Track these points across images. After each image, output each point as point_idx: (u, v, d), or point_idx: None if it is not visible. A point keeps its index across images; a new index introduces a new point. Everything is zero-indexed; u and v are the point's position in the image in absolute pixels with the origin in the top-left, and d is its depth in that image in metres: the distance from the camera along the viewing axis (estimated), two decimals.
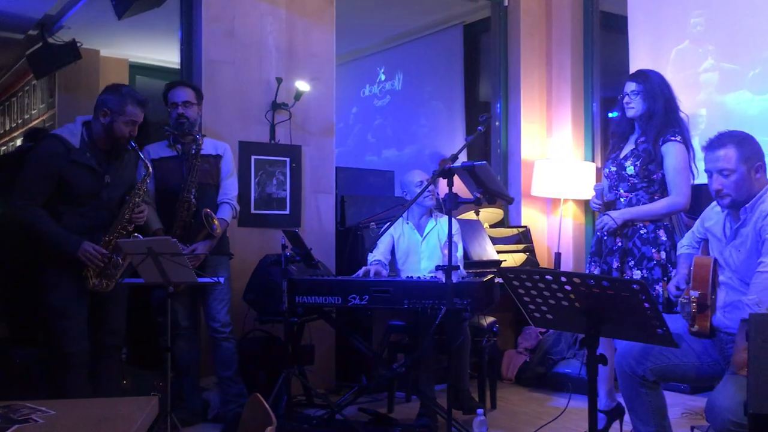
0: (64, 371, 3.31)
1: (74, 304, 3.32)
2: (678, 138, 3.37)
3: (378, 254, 4.04)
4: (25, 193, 3.27)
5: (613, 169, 3.52)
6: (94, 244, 3.26)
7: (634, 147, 3.47)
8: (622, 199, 3.48)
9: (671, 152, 3.35)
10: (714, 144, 2.77)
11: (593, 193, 3.61)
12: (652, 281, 3.36)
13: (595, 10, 5.71)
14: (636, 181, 3.43)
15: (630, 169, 3.43)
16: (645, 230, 3.41)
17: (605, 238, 3.49)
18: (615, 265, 3.43)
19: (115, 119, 3.31)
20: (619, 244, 3.44)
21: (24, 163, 3.38)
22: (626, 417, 3.51)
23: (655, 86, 3.42)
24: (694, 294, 2.74)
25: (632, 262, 3.41)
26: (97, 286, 3.30)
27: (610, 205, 3.53)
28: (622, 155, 3.50)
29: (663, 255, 3.38)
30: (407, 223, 4.15)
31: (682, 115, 3.46)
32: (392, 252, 4.14)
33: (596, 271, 3.50)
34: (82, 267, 3.26)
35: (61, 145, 3.30)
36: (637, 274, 3.37)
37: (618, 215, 3.43)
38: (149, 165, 3.45)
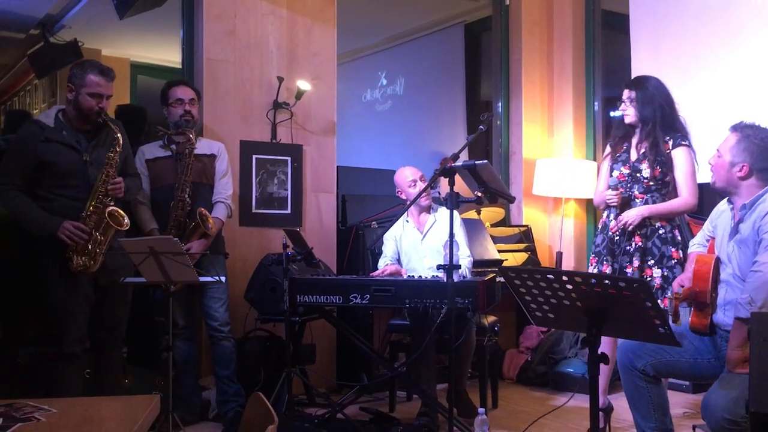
0: (62, 369, 3.30)
1: (76, 304, 3.30)
2: (686, 142, 3.52)
3: (387, 261, 4.07)
4: (3, 177, 3.28)
5: (625, 171, 3.59)
6: (73, 221, 3.20)
7: (643, 150, 3.56)
8: (637, 201, 3.56)
9: (682, 156, 3.49)
10: (732, 126, 2.85)
11: (606, 189, 3.60)
12: (674, 279, 3.40)
13: (596, 8, 5.70)
14: (651, 183, 3.53)
15: (646, 172, 3.53)
16: (663, 230, 3.50)
17: (617, 238, 3.53)
18: (636, 264, 3.48)
19: (79, 92, 3.28)
20: (639, 243, 3.49)
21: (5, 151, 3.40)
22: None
23: (648, 94, 3.53)
24: (678, 291, 2.84)
25: (652, 261, 3.48)
26: (81, 266, 3.21)
27: (626, 200, 3.58)
28: (633, 158, 3.58)
29: (681, 253, 3.49)
30: (407, 222, 4.14)
31: (681, 117, 3.57)
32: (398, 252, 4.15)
33: (608, 271, 3.52)
34: (65, 249, 3.21)
35: (35, 126, 3.31)
36: (657, 273, 3.45)
37: (638, 212, 3.48)
38: (119, 133, 3.33)
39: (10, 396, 1.87)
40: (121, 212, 3.27)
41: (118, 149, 3.31)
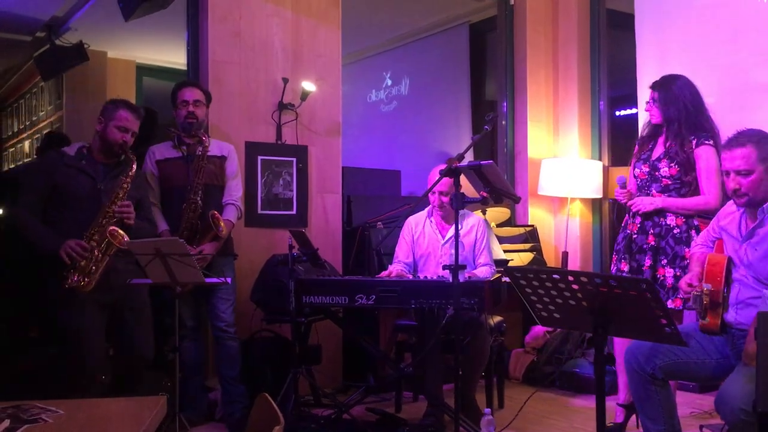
0: (83, 384, 3.31)
1: (90, 323, 3.31)
2: (710, 142, 3.47)
3: (399, 265, 3.99)
4: (19, 196, 3.38)
5: (645, 169, 3.59)
6: (76, 240, 3.22)
7: (664, 150, 3.55)
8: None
9: (703, 156, 3.44)
10: (732, 143, 2.78)
11: (617, 185, 3.61)
12: None
13: (601, 7, 5.69)
14: (669, 182, 3.52)
15: (664, 171, 3.52)
16: (678, 230, 3.47)
17: (635, 236, 3.53)
18: (648, 263, 3.47)
19: (107, 124, 3.39)
20: (652, 243, 3.49)
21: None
22: None
23: (672, 94, 3.50)
24: (707, 287, 2.76)
25: (665, 261, 3.46)
26: (74, 283, 3.21)
27: (634, 196, 3.58)
28: (654, 156, 3.58)
29: None
30: (430, 221, 4.03)
31: (710, 117, 3.53)
32: (413, 253, 4.04)
33: (625, 268, 3.53)
34: (62, 267, 3.21)
35: (56, 154, 3.44)
36: (669, 273, 3.43)
37: (651, 201, 3.49)
38: (134, 164, 3.40)
39: (15, 398, 1.88)
40: (122, 232, 3.28)
41: (131, 173, 3.36)
